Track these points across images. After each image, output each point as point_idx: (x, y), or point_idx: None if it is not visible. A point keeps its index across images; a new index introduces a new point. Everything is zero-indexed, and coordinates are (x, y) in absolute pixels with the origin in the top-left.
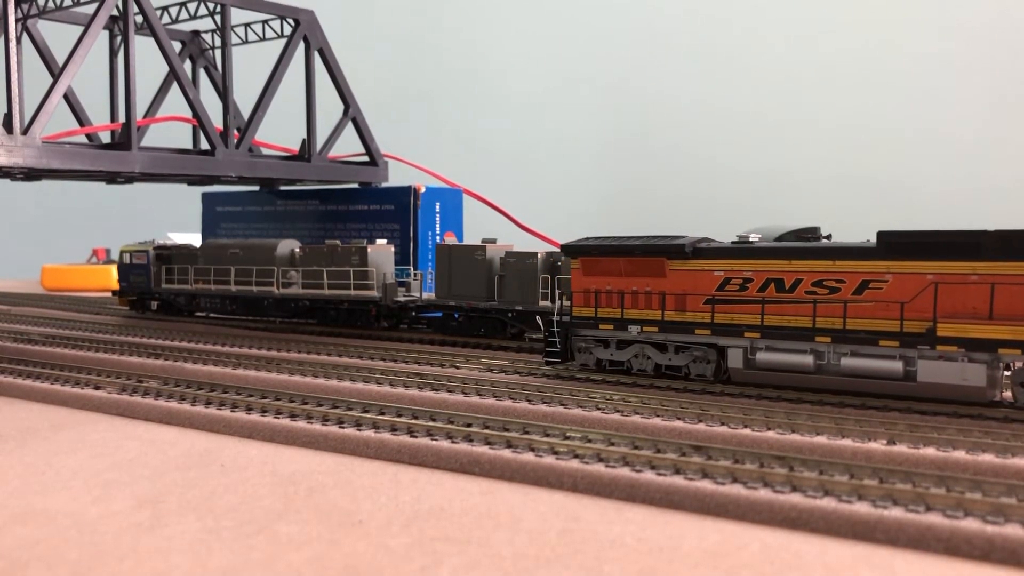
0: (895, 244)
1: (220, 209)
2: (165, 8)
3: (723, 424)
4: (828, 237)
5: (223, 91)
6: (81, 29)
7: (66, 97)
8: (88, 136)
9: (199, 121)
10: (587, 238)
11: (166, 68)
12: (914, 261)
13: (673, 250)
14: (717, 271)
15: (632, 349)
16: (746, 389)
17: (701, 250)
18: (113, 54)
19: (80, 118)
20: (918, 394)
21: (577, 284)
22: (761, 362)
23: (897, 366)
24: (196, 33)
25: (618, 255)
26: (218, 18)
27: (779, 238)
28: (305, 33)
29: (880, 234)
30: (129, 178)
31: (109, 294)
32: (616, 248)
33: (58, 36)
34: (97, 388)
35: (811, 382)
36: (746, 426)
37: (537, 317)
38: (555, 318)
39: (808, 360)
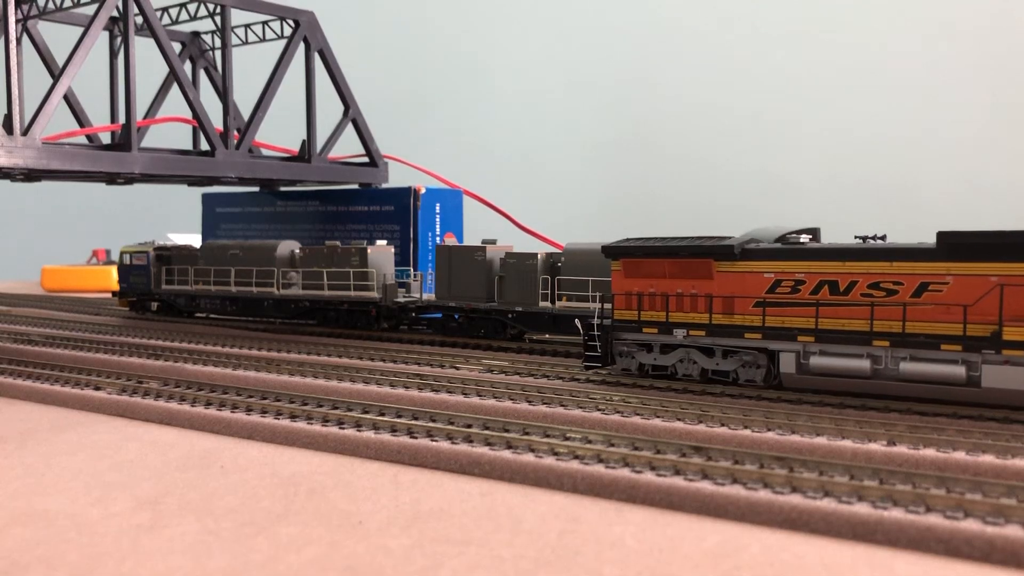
0: (957, 245)
1: (220, 210)
2: (165, 9)
3: (723, 425)
4: (883, 238)
5: (223, 92)
6: (81, 30)
7: (66, 98)
8: (88, 137)
9: (199, 122)
10: (628, 239)
11: (166, 69)
12: (977, 263)
13: (721, 251)
14: (767, 273)
15: (677, 353)
16: (745, 390)
17: (750, 251)
18: (113, 55)
19: (80, 119)
20: (982, 400)
21: (618, 286)
22: (815, 367)
23: (960, 371)
24: (196, 34)
25: (662, 256)
26: (218, 19)
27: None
28: (305, 34)
29: (940, 235)
30: (129, 179)
31: (109, 295)
32: (660, 249)
33: (58, 37)
34: (97, 389)
35: (867, 387)
36: (746, 427)
37: (576, 320)
38: (595, 321)
39: (864, 365)
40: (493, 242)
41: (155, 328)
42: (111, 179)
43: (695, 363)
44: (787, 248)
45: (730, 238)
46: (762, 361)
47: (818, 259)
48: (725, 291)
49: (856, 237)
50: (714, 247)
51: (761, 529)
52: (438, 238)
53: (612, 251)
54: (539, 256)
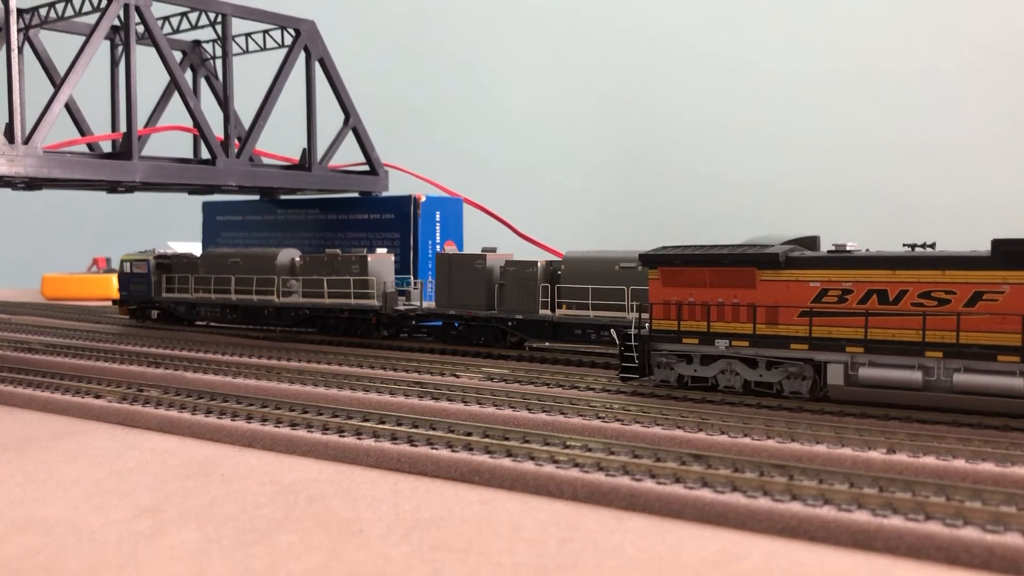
0: (1013, 253)
1: (221, 218)
2: (166, 18)
3: (723, 433)
4: (932, 246)
5: (224, 100)
6: (82, 39)
7: (67, 107)
8: (89, 145)
9: (200, 130)
10: (664, 247)
11: (167, 78)
12: None
13: (764, 259)
14: (813, 282)
15: (718, 364)
16: (745, 398)
17: (795, 259)
18: (114, 64)
19: (81, 127)
20: None
21: (656, 296)
22: (864, 378)
23: (1018, 383)
24: (197, 43)
25: (703, 265)
26: (219, 28)
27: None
28: (306, 43)
29: (995, 242)
30: (130, 187)
31: (109, 303)
32: (700, 257)
33: (60, 46)
34: (97, 397)
35: (919, 399)
36: (746, 435)
37: (611, 330)
38: (633, 331)
39: (916, 376)
40: (493, 250)
41: (155, 336)
42: (112, 187)
43: (737, 375)
44: (834, 256)
45: (770, 246)
46: (808, 372)
47: (866, 267)
48: (769, 300)
49: (904, 245)
50: (758, 255)
51: (761, 537)
52: (438, 246)
53: (650, 259)
54: (539, 264)
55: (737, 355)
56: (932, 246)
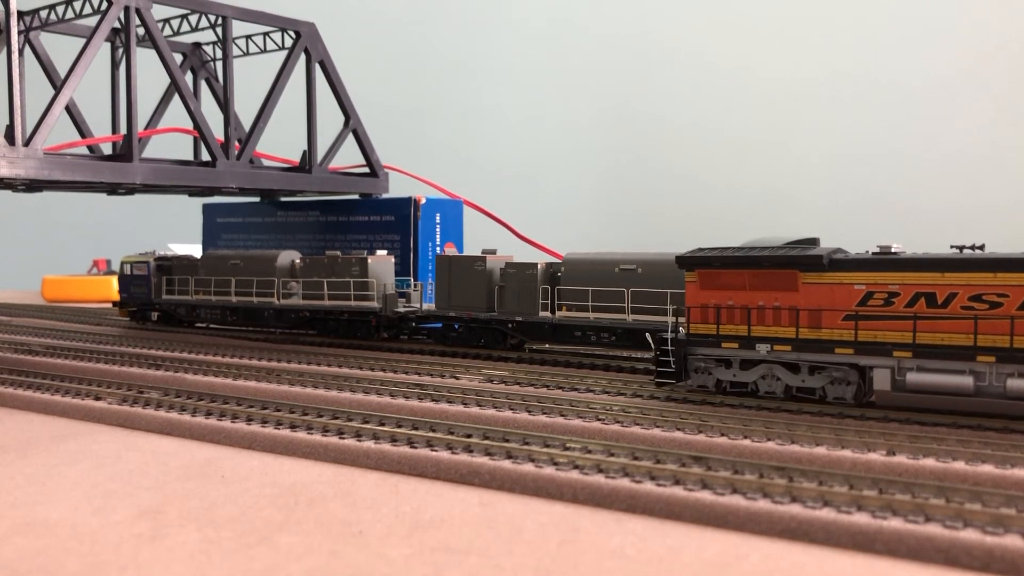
0: None
1: (221, 220)
2: (166, 20)
3: (723, 435)
4: (982, 247)
5: (224, 103)
6: (83, 41)
7: (68, 109)
8: (90, 148)
9: (200, 132)
10: (701, 248)
11: (167, 80)
12: None
13: (808, 261)
14: (858, 284)
15: (759, 369)
16: (745, 400)
17: (839, 261)
18: (115, 66)
19: (82, 130)
20: None
21: (693, 299)
22: (912, 384)
23: None
24: (197, 45)
25: (742, 267)
26: (219, 30)
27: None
28: (306, 45)
29: None
30: (130, 189)
31: (110, 305)
32: (740, 260)
33: (60, 48)
34: (98, 399)
35: (969, 405)
36: (746, 437)
37: (647, 334)
38: (669, 335)
39: (967, 382)
40: (493, 252)
41: (155, 338)
42: (112, 189)
43: (779, 380)
44: (879, 258)
45: (813, 247)
46: (852, 378)
47: (914, 270)
48: (812, 303)
49: (952, 247)
50: (800, 257)
51: (761, 539)
52: (438, 248)
53: (687, 261)
54: (539, 266)
55: (779, 360)
56: (981, 248)
